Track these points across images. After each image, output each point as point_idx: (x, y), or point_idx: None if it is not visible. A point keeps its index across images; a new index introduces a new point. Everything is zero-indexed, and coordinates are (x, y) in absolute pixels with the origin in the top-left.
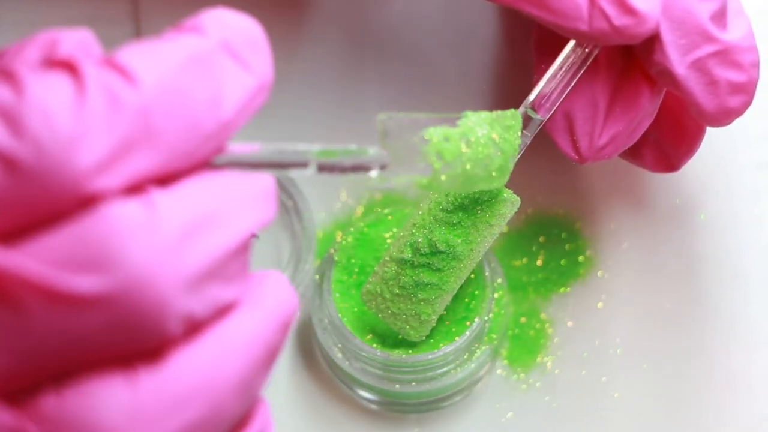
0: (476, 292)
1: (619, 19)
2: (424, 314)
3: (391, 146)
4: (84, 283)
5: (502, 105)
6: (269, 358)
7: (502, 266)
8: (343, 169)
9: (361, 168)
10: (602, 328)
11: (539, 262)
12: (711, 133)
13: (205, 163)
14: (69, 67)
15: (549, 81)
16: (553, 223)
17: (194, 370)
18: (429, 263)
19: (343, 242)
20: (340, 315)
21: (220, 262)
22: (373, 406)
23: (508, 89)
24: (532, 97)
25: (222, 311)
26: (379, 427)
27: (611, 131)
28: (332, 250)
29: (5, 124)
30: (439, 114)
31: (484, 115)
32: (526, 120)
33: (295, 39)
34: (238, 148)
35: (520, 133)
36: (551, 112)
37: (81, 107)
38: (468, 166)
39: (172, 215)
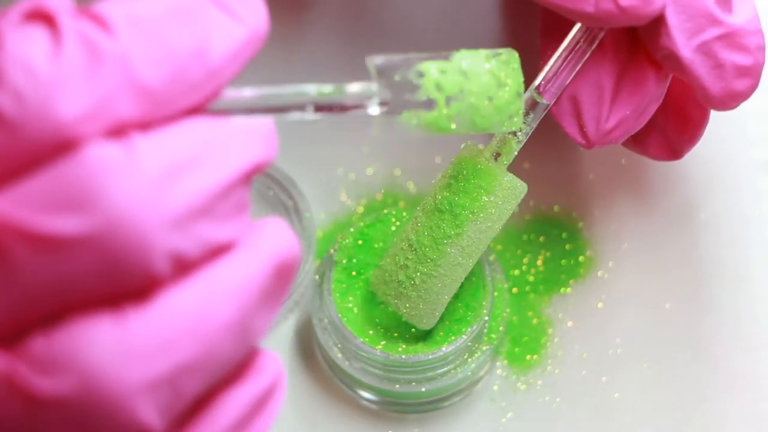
0: (476, 292)
1: (625, 0)
2: (430, 299)
3: (388, 84)
4: (65, 224)
5: None
6: (267, 303)
7: (502, 266)
8: (342, 108)
9: (361, 106)
10: (602, 328)
11: (539, 262)
12: (711, 133)
13: (195, 110)
14: (46, 18)
15: (554, 65)
16: (553, 223)
17: (184, 310)
18: (436, 246)
19: (343, 242)
20: (340, 315)
21: (209, 200)
22: (373, 406)
23: None
24: (537, 81)
25: (214, 252)
26: (379, 427)
27: (618, 115)
28: (332, 251)
29: None
30: (431, 52)
31: (480, 51)
32: (532, 105)
33: (295, 39)
34: (233, 94)
35: (519, 69)
36: (557, 97)
37: (58, 56)
38: (472, 99)
39: (153, 156)
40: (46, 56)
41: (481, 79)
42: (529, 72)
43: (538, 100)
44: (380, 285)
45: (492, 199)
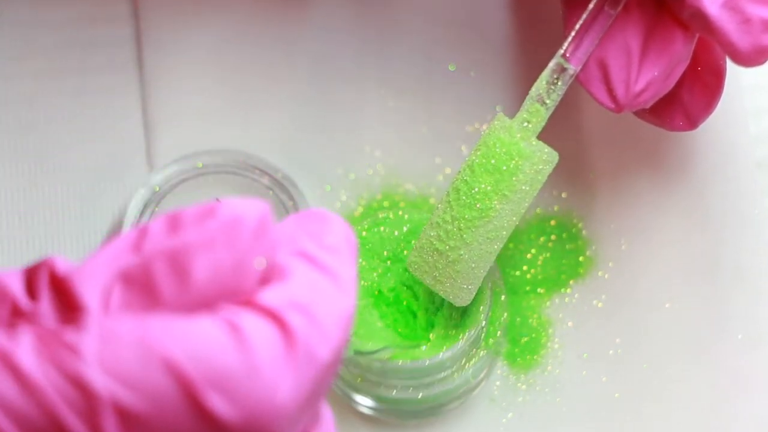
0: (474, 298)
1: None
2: (466, 274)
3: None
4: None
5: (503, 102)
6: None
7: (502, 266)
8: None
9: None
10: (602, 328)
11: (539, 262)
12: (712, 132)
13: None
14: (278, 321)
15: (580, 30)
16: (553, 223)
17: None
18: (468, 221)
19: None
20: None
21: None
22: (371, 413)
23: (508, 86)
24: (563, 48)
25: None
26: None
27: (647, 77)
28: None
29: (230, 397)
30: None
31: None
32: (560, 71)
33: (293, 38)
34: None
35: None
36: (583, 62)
37: (292, 372)
38: None
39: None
40: (284, 378)
41: None
42: (527, 79)
43: (565, 66)
44: (417, 264)
45: (523, 168)
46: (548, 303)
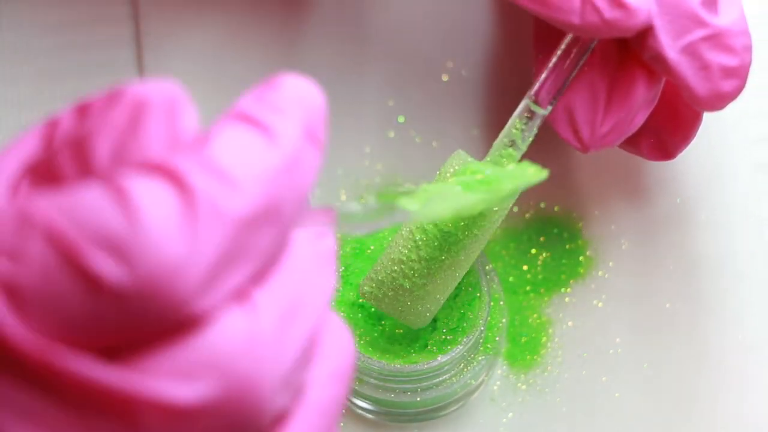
0: (472, 302)
1: (609, 13)
2: (424, 300)
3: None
4: (195, 396)
5: (501, 102)
6: (341, 407)
7: (502, 266)
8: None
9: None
10: (602, 328)
11: (539, 262)
12: (711, 133)
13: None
14: (174, 177)
15: (550, 73)
16: (554, 223)
17: None
18: (428, 249)
19: (340, 252)
20: None
21: (307, 347)
22: (369, 416)
23: (506, 86)
24: (533, 90)
25: (301, 389)
26: None
27: (612, 119)
28: None
29: (115, 257)
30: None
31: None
32: (530, 114)
33: (292, 38)
34: (310, 216)
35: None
36: (553, 105)
37: (191, 229)
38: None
39: (270, 315)
40: (179, 232)
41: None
42: (523, 79)
43: (535, 110)
44: (374, 295)
45: (493, 211)
46: (548, 303)
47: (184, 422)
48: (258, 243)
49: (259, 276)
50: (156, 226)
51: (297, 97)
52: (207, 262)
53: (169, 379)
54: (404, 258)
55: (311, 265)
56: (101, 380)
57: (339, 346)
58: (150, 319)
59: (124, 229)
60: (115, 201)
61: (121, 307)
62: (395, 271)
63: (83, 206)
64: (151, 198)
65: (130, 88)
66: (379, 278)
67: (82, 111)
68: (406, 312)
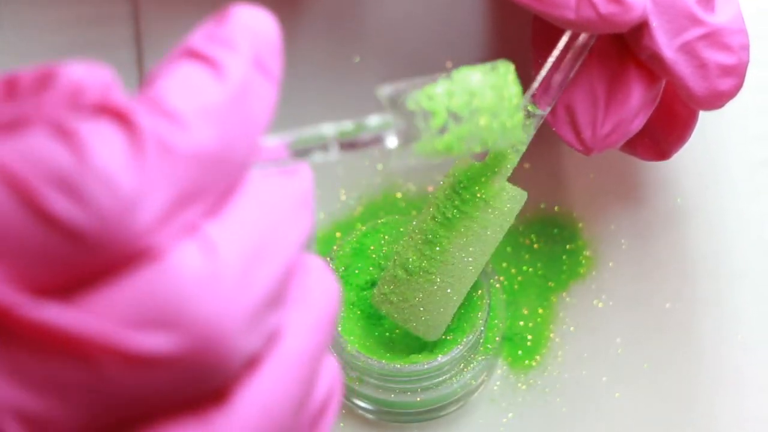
0: (472, 303)
1: (605, 7)
2: (434, 312)
3: (401, 114)
4: (155, 342)
5: None
6: (321, 358)
7: (502, 266)
8: (364, 144)
9: (381, 139)
10: (602, 328)
11: (539, 263)
12: (710, 132)
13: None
14: (120, 117)
15: (547, 74)
16: (554, 223)
17: (260, 402)
18: (435, 261)
19: (340, 252)
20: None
21: (277, 286)
22: (369, 416)
23: None
24: (531, 91)
25: (275, 335)
26: None
27: (613, 119)
28: (328, 259)
29: (67, 194)
30: (431, 75)
31: (478, 67)
32: (528, 115)
33: (291, 38)
34: (267, 151)
35: (516, 81)
36: (552, 105)
37: (139, 164)
38: (481, 119)
39: (230, 252)
40: (127, 166)
41: (486, 97)
42: (523, 80)
43: (533, 110)
44: (382, 301)
45: (491, 210)
46: (548, 303)
47: (144, 369)
48: (211, 177)
49: (214, 211)
50: (106, 162)
51: (246, 28)
52: (159, 196)
53: (128, 324)
54: (413, 265)
55: (280, 204)
56: (59, 323)
57: (321, 293)
58: (105, 254)
59: (74, 167)
60: (62, 140)
61: (76, 243)
62: (401, 275)
63: (32, 147)
64: (99, 136)
65: (63, 68)
66: (390, 285)
67: (10, 88)
68: (418, 322)
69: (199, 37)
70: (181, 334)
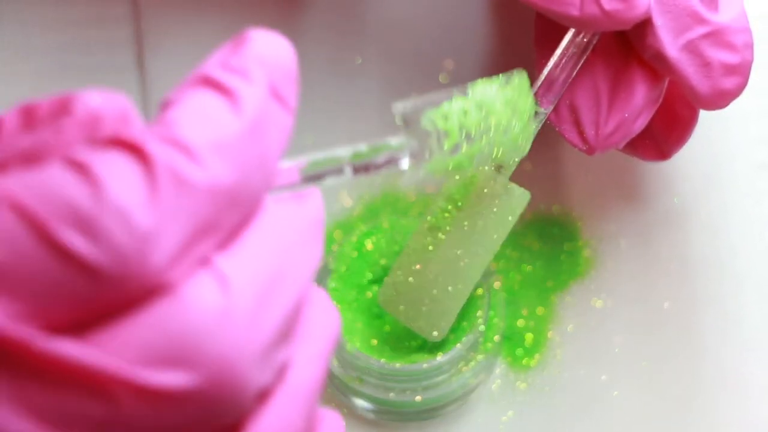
0: (472, 302)
1: (609, 4)
2: (438, 311)
3: (416, 134)
4: (171, 378)
5: None
6: (322, 387)
7: (501, 266)
8: (377, 167)
9: (394, 161)
10: (602, 328)
11: (539, 263)
12: (711, 133)
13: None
14: (136, 150)
15: (550, 72)
16: (553, 223)
17: None
18: (440, 260)
19: (340, 251)
20: None
21: (289, 320)
22: (369, 415)
23: None
24: (534, 89)
25: (284, 368)
26: None
27: (616, 119)
28: (329, 259)
29: (83, 231)
30: (448, 89)
31: (493, 81)
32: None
33: (291, 38)
34: (280, 175)
35: (532, 92)
36: (554, 104)
37: (155, 200)
38: (493, 136)
39: (244, 287)
40: (143, 202)
41: (500, 115)
42: (528, 72)
43: (536, 109)
44: (388, 300)
45: (494, 209)
46: (548, 302)
47: (160, 404)
48: (226, 211)
49: (228, 242)
50: (121, 198)
51: (263, 56)
52: (174, 232)
53: (144, 360)
54: (417, 265)
55: (292, 235)
56: (75, 358)
57: (324, 325)
58: (121, 290)
59: (90, 204)
60: (79, 176)
61: (92, 279)
62: (406, 275)
63: (49, 183)
64: (115, 171)
65: (80, 96)
66: (395, 285)
67: (28, 117)
68: (422, 321)
69: (215, 63)
70: (197, 371)
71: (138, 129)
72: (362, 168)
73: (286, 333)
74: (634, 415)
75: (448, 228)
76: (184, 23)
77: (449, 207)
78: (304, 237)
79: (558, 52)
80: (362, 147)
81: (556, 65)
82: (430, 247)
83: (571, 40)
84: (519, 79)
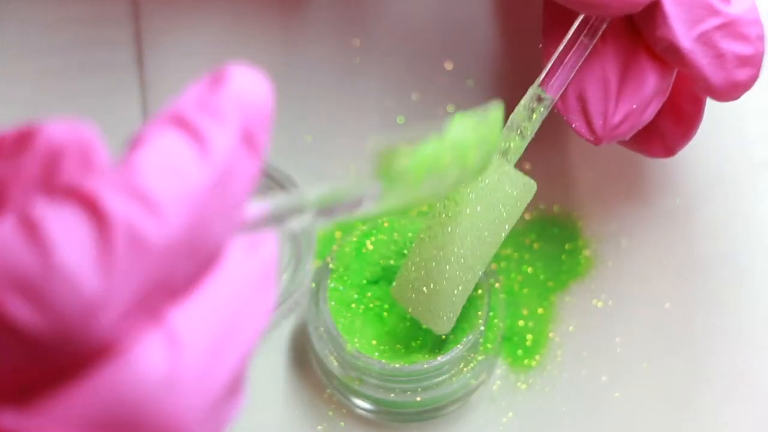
0: (473, 302)
1: None
2: (443, 302)
3: (381, 176)
4: None
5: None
6: None
7: (502, 266)
8: (342, 210)
9: (359, 204)
10: (602, 328)
11: (539, 263)
12: (712, 132)
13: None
14: (92, 206)
15: (557, 60)
16: (554, 223)
17: None
18: (446, 250)
19: (340, 251)
20: (335, 323)
21: (237, 376)
22: (369, 415)
23: (507, 85)
24: (541, 77)
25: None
26: None
27: (624, 109)
28: (329, 258)
29: (28, 298)
30: (425, 127)
31: (469, 117)
32: (538, 101)
33: (292, 38)
34: (250, 224)
35: (501, 126)
36: (561, 91)
37: (107, 262)
38: (456, 175)
39: (195, 344)
40: (93, 266)
41: (468, 157)
42: (529, 71)
43: (542, 96)
44: (400, 292)
45: (501, 199)
46: (548, 303)
47: None
48: (183, 265)
49: (183, 297)
50: (70, 263)
51: (239, 95)
52: (125, 294)
53: (85, 429)
54: (426, 255)
55: (246, 284)
56: (12, 429)
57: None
58: (65, 360)
59: (36, 269)
60: (27, 237)
61: (35, 350)
62: (416, 271)
63: None
64: (65, 231)
65: (42, 129)
66: (406, 278)
67: None
68: (429, 314)
69: (190, 101)
70: None
71: (99, 173)
72: (326, 212)
73: (233, 388)
74: (635, 416)
75: (455, 219)
76: (184, 23)
77: (456, 198)
78: (257, 286)
79: (565, 39)
80: (326, 190)
81: (563, 52)
82: (439, 239)
83: (580, 26)
84: (495, 113)
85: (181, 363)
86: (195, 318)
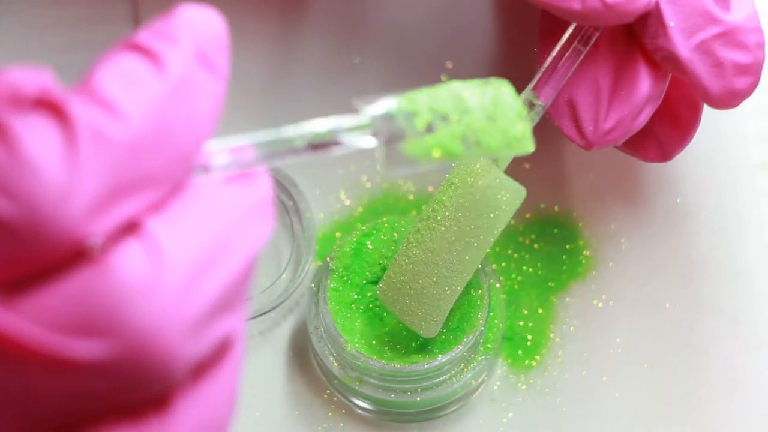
0: (472, 302)
1: None
2: (431, 306)
3: (381, 117)
4: (87, 349)
5: None
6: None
7: (502, 266)
8: (337, 143)
9: (356, 139)
10: (602, 328)
11: (539, 263)
12: (711, 133)
13: (187, 177)
14: (55, 109)
15: (550, 65)
16: (554, 223)
17: (200, 413)
18: (435, 254)
19: (340, 251)
20: (335, 324)
21: (227, 295)
22: (369, 416)
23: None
24: (533, 82)
25: (223, 346)
26: None
27: (616, 116)
28: (329, 258)
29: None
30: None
31: (469, 81)
32: (529, 106)
33: (291, 39)
34: (234, 152)
35: (514, 93)
36: (553, 97)
37: (72, 156)
38: (472, 119)
39: (177, 258)
40: (59, 158)
41: (474, 99)
42: (527, 74)
43: (534, 101)
44: (386, 295)
45: (490, 204)
46: (548, 303)
47: (77, 376)
48: (149, 167)
49: (159, 207)
50: (36, 155)
51: (189, 24)
52: (92, 185)
53: (60, 328)
54: (413, 258)
55: (236, 210)
56: None
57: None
58: (40, 248)
59: (4, 162)
60: None
61: (7, 237)
62: (402, 278)
63: None
64: (32, 130)
65: (2, 72)
66: (392, 280)
67: None
68: (415, 317)
69: (143, 32)
70: (114, 342)
71: (59, 93)
72: (321, 146)
73: (224, 307)
74: (634, 416)
75: (444, 223)
76: None
77: (445, 201)
78: (248, 213)
79: (558, 45)
80: (321, 124)
81: (556, 58)
82: (427, 242)
83: (573, 32)
84: (496, 81)
85: (162, 272)
86: (177, 232)
